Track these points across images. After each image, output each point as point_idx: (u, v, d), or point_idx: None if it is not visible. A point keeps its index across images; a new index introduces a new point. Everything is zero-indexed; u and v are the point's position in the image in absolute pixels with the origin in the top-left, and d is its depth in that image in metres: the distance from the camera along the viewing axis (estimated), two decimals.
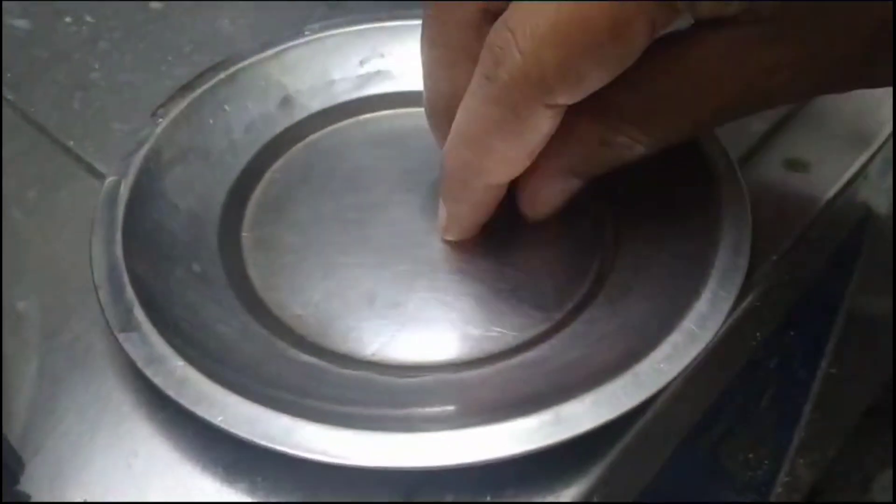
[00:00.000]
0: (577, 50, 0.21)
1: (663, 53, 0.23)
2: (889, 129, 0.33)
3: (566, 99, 0.22)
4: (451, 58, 0.24)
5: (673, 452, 0.29)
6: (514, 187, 0.27)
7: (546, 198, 0.27)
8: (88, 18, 0.38)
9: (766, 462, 0.46)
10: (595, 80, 0.21)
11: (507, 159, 0.24)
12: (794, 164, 0.31)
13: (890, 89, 0.24)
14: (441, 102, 0.26)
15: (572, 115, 0.24)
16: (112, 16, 0.38)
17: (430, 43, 0.25)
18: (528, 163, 0.24)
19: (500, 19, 0.22)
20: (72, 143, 0.32)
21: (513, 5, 0.21)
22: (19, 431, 0.23)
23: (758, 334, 0.30)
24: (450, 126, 0.24)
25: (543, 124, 0.23)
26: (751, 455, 0.45)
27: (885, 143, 0.33)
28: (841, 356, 0.45)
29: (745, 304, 0.27)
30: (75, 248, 0.27)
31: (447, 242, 0.28)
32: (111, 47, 0.37)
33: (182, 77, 0.32)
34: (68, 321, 0.26)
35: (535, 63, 0.21)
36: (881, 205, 0.38)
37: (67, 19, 0.38)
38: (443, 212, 0.28)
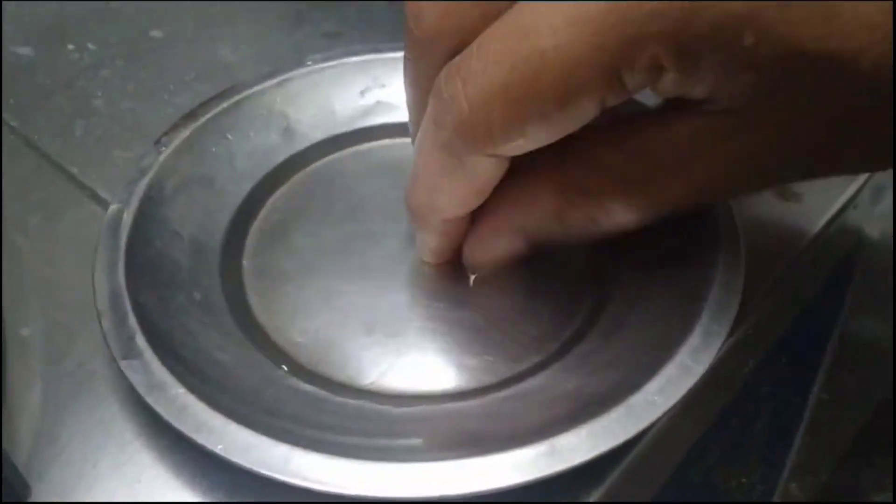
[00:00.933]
0: (524, 112, 0.21)
1: (630, 133, 0.23)
2: None
3: (509, 153, 0.22)
4: (426, 99, 0.24)
5: (667, 478, 0.29)
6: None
7: (489, 251, 0.27)
8: (91, 46, 0.39)
9: (758, 486, 0.46)
10: (539, 140, 0.22)
11: (456, 198, 0.24)
12: (786, 194, 0.32)
13: None
14: None
15: (534, 181, 0.24)
16: (114, 44, 0.39)
17: (408, 84, 0.26)
18: (479, 201, 0.25)
19: (454, 64, 0.22)
20: (75, 169, 0.32)
21: (466, 53, 0.21)
22: (24, 458, 0.24)
23: (750, 361, 0.31)
24: None
25: (487, 171, 0.23)
26: (744, 480, 0.45)
27: None
28: (832, 382, 0.45)
29: (738, 333, 0.27)
30: (78, 275, 0.27)
31: (445, 273, 0.28)
32: (113, 75, 0.37)
33: (184, 105, 0.33)
34: (71, 347, 0.26)
35: (482, 118, 0.21)
36: (872, 232, 0.38)
37: (70, 47, 0.38)
38: (418, 235, 0.28)
